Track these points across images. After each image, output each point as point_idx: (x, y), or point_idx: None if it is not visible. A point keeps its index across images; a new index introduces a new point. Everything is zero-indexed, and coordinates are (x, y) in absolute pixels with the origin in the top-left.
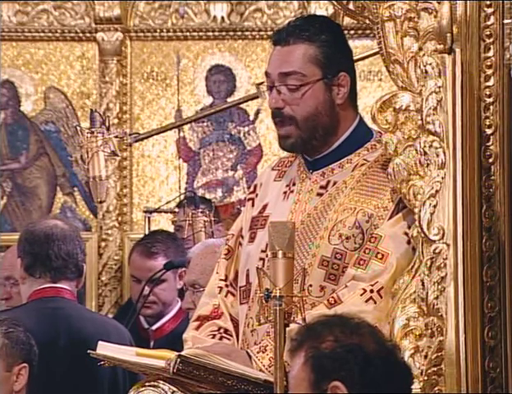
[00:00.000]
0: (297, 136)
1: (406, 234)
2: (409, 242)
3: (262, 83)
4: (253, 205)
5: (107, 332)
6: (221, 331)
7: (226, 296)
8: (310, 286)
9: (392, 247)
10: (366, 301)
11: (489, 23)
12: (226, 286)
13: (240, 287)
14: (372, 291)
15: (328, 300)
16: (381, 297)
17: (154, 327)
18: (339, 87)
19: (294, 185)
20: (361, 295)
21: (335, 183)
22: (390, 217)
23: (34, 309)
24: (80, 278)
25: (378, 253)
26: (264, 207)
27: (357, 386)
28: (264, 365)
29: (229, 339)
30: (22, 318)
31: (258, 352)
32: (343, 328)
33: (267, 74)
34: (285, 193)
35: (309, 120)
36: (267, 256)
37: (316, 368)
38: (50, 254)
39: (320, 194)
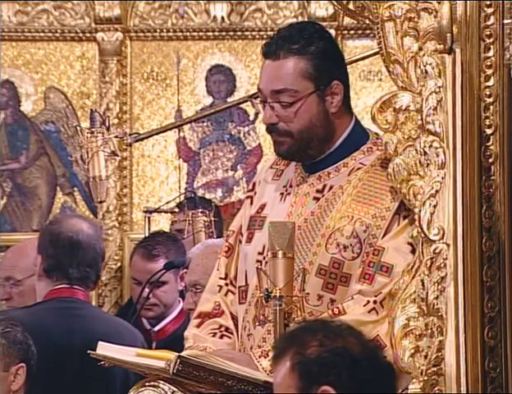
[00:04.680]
0: (292, 144)
1: (409, 244)
2: (412, 252)
3: (255, 94)
4: (251, 203)
5: (121, 334)
6: (222, 329)
7: (225, 295)
8: (307, 294)
9: (396, 259)
10: (369, 312)
11: (489, 23)
12: (226, 284)
13: (239, 287)
14: (375, 302)
15: (332, 311)
16: (383, 307)
17: (156, 329)
18: (332, 95)
19: (291, 186)
20: (364, 305)
21: (331, 187)
22: (388, 227)
23: (51, 309)
24: (96, 284)
25: (383, 266)
26: (262, 207)
27: (346, 388)
28: (266, 371)
29: (229, 337)
30: (40, 316)
31: (259, 356)
32: (326, 332)
33: (259, 89)
34: (282, 194)
35: (304, 132)
36: (264, 258)
37: (304, 374)
38: (72, 264)
39: (316, 199)
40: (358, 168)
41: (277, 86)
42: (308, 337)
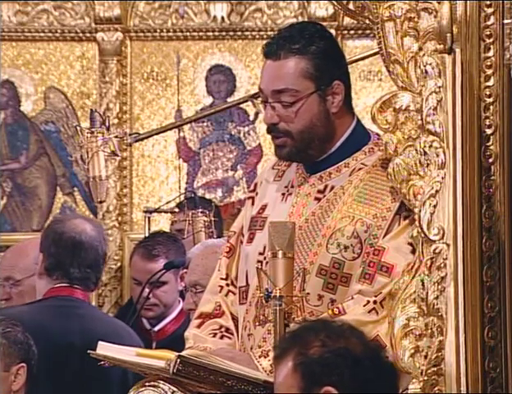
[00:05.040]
0: (292, 146)
1: (409, 244)
2: (413, 252)
3: (256, 94)
4: (253, 204)
5: (119, 336)
6: (223, 329)
7: (226, 295)
8: (308, 293)
9: (397, 259)
10: (369, 312)
11: (489, 23)
12: (227, 285)
13: (240, 287)
14: (375, 303)
15: (332, 310)
16: (383, 307)
17: (156, 329)
18: (333, 95)
19: (292, 187)
20: (364, 305)
21: (332, 188)
22: (389, 227)
23: (49, 306)
24: (96, 286)
25: (383, 266)
26: (263, 207)
27: (348, 389)
28: (266, 371)
29: (230, 338)
30: (38, 314)
31: (260, 356)
32: (328, 332)
33: (260, 89)
34: (283, 194)
35: (305, 133)
36: (264, 258)
37: (306, 375)
38: (73, 264)
39: (318, 199)
40: (360, 168)
41: (278, 86)
42: (310, 338)
